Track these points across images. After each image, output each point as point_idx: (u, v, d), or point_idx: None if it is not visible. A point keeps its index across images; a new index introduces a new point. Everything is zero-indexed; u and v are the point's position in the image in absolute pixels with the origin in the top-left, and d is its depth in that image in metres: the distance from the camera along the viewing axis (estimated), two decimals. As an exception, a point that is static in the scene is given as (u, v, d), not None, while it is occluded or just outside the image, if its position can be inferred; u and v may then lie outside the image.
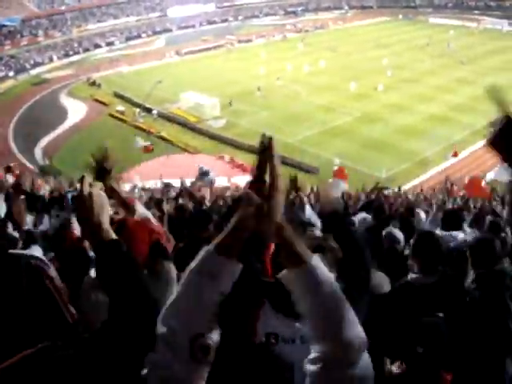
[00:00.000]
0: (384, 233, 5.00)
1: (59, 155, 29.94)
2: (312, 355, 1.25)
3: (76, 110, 37.94)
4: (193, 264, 1.28)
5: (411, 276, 3.46)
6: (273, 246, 2.07)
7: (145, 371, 1.21)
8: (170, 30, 65.15)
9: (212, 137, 31.89)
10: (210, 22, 69.03)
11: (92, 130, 33.75)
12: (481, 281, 3.28)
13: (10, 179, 10.00)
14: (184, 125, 33.87)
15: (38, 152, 31.04)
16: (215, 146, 30.85)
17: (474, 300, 3.12)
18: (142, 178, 21.66)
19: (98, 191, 1.54)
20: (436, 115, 33.50)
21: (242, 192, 1.55)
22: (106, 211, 1.53)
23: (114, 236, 1.51)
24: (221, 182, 22.07)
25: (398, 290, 3.32)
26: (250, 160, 28.91)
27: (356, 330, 1.24)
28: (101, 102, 38.93)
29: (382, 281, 3.50)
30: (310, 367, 1.24)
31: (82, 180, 1.54)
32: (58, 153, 30.49)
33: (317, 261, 1.27)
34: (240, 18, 71.82)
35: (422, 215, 7.37)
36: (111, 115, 36.28)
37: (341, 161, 26.47)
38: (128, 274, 1.46)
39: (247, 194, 1.29)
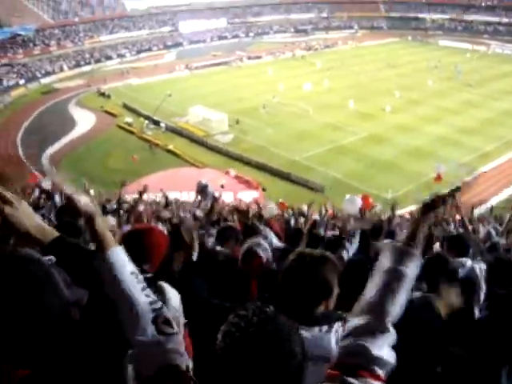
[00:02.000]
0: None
1: (65, 163, 30.05)
2: (347, 329, 1.53)
3: (85, 120, 38.18)
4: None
5: (415, 294, 3.37)
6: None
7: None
8: (180, 45, 65.77)
9: (219, 151, 31.96)
10: (220, 38, 69.65)
11: (99, 141, 33.96)
12: (498, 301, 3.26)
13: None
14: (191, 139, 33.98)
15: (44, 160, 31.18)
16: (222, 160, 30.90)
17: (483, 323, 3.08)
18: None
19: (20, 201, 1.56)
20: (443, 137, 33.49)
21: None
22: (31, 214, 1.56)
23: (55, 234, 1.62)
24: (226, 197, 22.01)
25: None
26: (255, 175, 29.11)
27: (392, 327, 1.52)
28: (109, 113, 39.17)
29: None
30: (342, 341, 1.51)
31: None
32: (65, 161, 30.63)
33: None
34: (251, 34, 72.47)
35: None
36: (119, 126, 36.47)
37: (347, 180, 26.47)
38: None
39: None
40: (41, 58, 53.74)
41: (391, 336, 1.50)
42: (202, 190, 8.15)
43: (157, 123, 35.81)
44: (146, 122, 36.09)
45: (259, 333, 1.28)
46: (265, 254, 3.89)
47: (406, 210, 19.19)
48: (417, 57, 58.38)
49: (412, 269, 1.63)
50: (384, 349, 1.45)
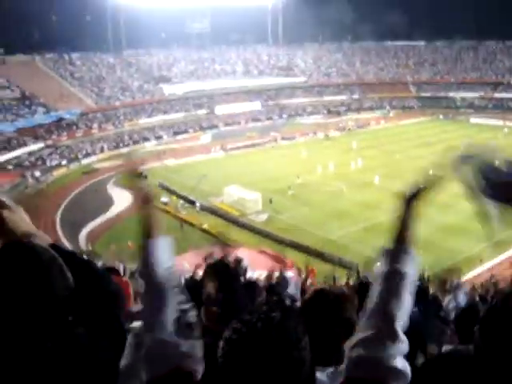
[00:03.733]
0: None
1: (101, 242, 30.44)
2: (354, 339, 1.40)
3: (122, 199, 39.00)
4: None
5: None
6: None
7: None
8: (216, 127, 67.91)
9: (254, 231, 31.92)
10: (255, 120, 71.68)
11: (135, 219, 34.35)
12: None
13: None
14: (226, 218, 34.17)
15: (82, 238, 31.69)
16: (257, 240, 30.78)
17: None
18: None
19: (10, 203, 1.67)
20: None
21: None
22: (24, 218, 1.70)
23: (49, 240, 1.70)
24: (261, 275, 21.63)
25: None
26: (290, 255, 28.75)
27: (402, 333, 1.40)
28: (146, 193, 39.93)
29: None
30: (351, 352, 1.39)
31: None
32: (101, 239, 31.04)
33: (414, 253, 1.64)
34: (284, 116, 74.49)
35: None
36: (155, 206, 36.98)
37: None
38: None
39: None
40: (83, 140, 56.17)
41: (403, 344, 1.36)
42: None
43: (192, 203, 36.28)
44: (181, 201, 36.62)
45: (263, 339, 1.15)
46: None
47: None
48: (449, 135, 58.58)
49: (410, 266, 1.58)
50: (397, 359, 1.31)
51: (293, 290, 5.04)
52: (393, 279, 1.52)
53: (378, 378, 1.28)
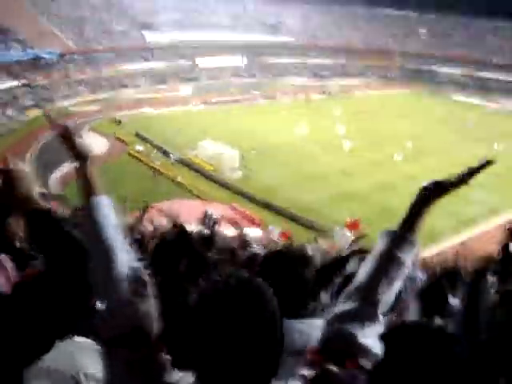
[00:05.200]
0: None
1: (74, 186, 30.03)
2: (333, 313, 1.42)
3: (96, 146, 38.45)
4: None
5: None
6: None
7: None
8: (197, 79, 66.86)
9: (227, 187, 31.98)
10: (237, 76, 70.77)
11: (109, 166, 34.10)
12: None
13: None
14: (200, 172, 34.09)
15: (52, 181, 31.28)
16: (229, 196, 30.90)
17: None
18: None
19: (23, 167, 1.76)
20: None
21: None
22: (33, 184, 1.77)
23: (43, 206, 1.74)
24: (228, 231, 21.83)
25: None
26: (261, 214, 29.00)
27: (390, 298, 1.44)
28: (121, 141, 39.52)
29: None
30: (327, 323, 1.41)
31: (6, 158, 1.75)
32: (73, 184, 30.65)
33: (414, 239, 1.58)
34: (267, 75, 73.62)
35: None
36: (130, 154, 36.73)
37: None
38: (60, 233, 1.70)
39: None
40: (60, 81, 54.63)
41: (380, 326, 1.39)
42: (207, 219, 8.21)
43: (167, 154, 36.03)
44: (155, 151, 36.37)
45: (241, 293, 1.20)
46: None
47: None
48: (429, 109, 58.99)
49: (409, 257, 1.53)
50: (371, 338, 1.34)
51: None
52: (391, 264, 1.49)
53: (349, 352, 1.30)
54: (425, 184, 1.66)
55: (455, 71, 77.94)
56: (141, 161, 35.54)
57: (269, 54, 76.77)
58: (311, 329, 1.91)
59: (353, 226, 21.19)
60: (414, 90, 72.00)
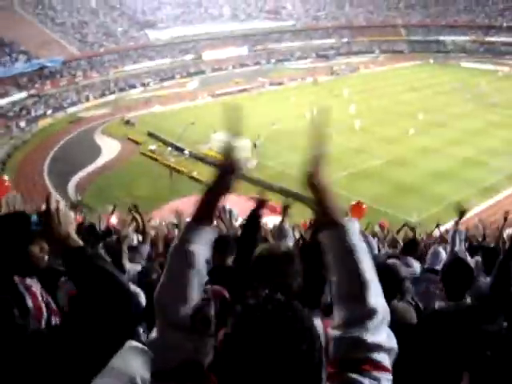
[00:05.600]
0: None
1: (91, 191, 30.45)
2: (335, 321, 1.35)
3: (110, 148, 38.75)
4: (175, 240, 1.54)
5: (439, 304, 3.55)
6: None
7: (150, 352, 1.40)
8: (203, 72, 66.80)
9: (242, 178, 31.90)
10: (242, 65, 70.51)
11: (124, 168, 34.36)
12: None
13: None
14: (214, 165, 34.03)
15: (70, 188, 31.63)
16: (245, 186, 30.88)
17: None
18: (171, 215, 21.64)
19: (63, 206, 1.75)
20: (468, 159, 33.01)
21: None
22: (72, 223, 1.76)
23: (80, 243, 1.73)
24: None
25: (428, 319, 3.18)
26: (278, 201, 28.88)
27: (381, 300, 1.33)
28: (134, 141, 39.69)
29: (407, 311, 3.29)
30: (333, 332, 1.33)
31: (48, 197, 1.74)
32: (90, 189, 31.02)
33: (350, 224, 1.46)
34: (272, 61, 73.24)
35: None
36: (143, 154, 36.89)
37: (370, 204, 26.14)
38: (97, 271, 1.67)
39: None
40: (67, 88, 55.00)
41: (381, 315, 1.30)
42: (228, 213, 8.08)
43: (180, 150, 36.12)
44: (169, 149, 36.46)
45: (280, 321, 1.11)
46: None
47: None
48: (439, 79, 58.15)
49: (357, 235, 1.43)
50: (380, 333, 1.28)
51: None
52: (345, 252, 1.38)
53: (363, 358, 1.23)
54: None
55: (462, 38, 76.58)
56: (155, 160, 35.67)
57: (272, 40, 76.30)
58: None
59: (357, 210, 19.54)
60: (421, 62, 70.96)
